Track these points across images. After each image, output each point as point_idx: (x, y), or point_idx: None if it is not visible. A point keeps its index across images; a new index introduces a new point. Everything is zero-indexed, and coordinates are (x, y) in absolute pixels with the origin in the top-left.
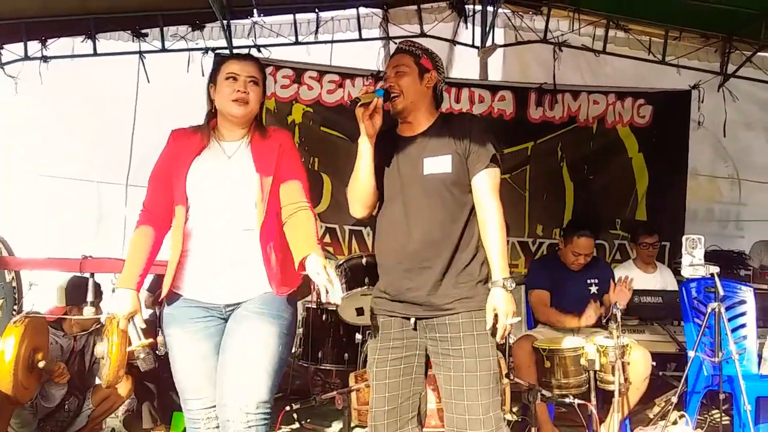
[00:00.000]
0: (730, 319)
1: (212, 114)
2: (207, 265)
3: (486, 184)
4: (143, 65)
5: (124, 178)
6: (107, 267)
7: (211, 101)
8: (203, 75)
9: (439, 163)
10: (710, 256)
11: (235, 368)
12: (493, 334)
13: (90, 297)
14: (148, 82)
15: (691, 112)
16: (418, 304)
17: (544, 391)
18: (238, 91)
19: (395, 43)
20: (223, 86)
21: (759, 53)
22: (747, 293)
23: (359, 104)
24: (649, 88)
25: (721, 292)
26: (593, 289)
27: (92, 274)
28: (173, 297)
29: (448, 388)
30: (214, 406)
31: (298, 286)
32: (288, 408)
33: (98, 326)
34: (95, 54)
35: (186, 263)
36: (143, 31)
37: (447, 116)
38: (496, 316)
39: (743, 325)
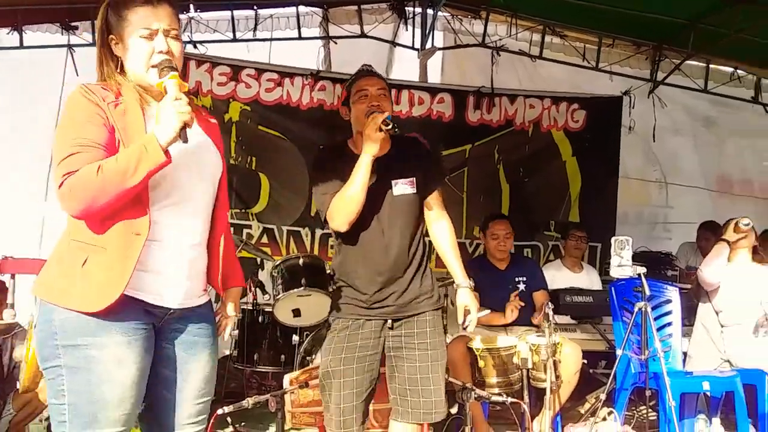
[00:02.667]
0: (656, 318)
1: None
2: (171, 258)
3: (439, 201)
4: (72, 59)
5: (45, 174)
6: (28, 268)
7: None
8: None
9: (406, 186)
10: (639, 257)
11: (193, 402)
12: (465, 328)
13: (10, 299)
14: (77, 75)
15: (622, 117)
16: (393, 308)
17: (478, 391)
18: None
19: (335, 43)
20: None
21: (687, 62)
22: (673, 293)
23: (387, 127)
24: (582, 93)
25: (648, 292)
26: (521, 287)
27: (13, 275)
28: (121, 301)
29: (414, 377)
30: None
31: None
32: (221, 411)
33: (19, 329)
34: (21, 47)
35: (148, 254)
36: (73, 23)
37: (399, 139)
38: (467, 312)
39: (669, 324)
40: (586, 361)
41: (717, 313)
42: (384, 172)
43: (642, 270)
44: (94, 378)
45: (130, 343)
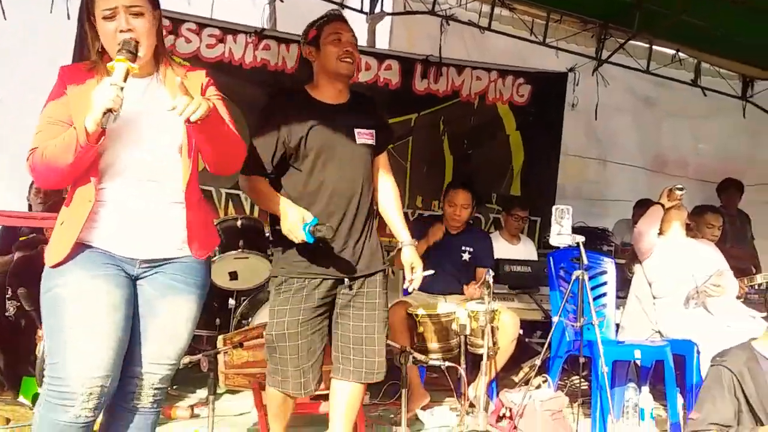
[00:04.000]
0: (592, 288)
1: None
2: (123, 217)
3: (387, 161)
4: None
5: None
6: None
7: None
8: (69, 18)
9: (367, 137)
10: (577, 232)
11: (161, 340)
12: (411, 285)
13: None
14: (5, 19)
15: (566, 93)
16: (349, 266)
17: (415, 354)
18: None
19: (281, 1)
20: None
21: (631, 42)
22: (609, 265)
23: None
24: (529, 67)
25: (585, 261)
26: (465, 256)
27: None
28: (76, 250)
29: (358, 335)
30: (105, 377)
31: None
32: None
33: None
34: None
35: (98, 214)
36: None
37: (355, 93)
38: (413, 270)
39: (604, 294)
40: (522, 331)
41: (650, 285)
42: (344, 118)
43: (581, 239)
44: (62, 312)
45: (94, 277)
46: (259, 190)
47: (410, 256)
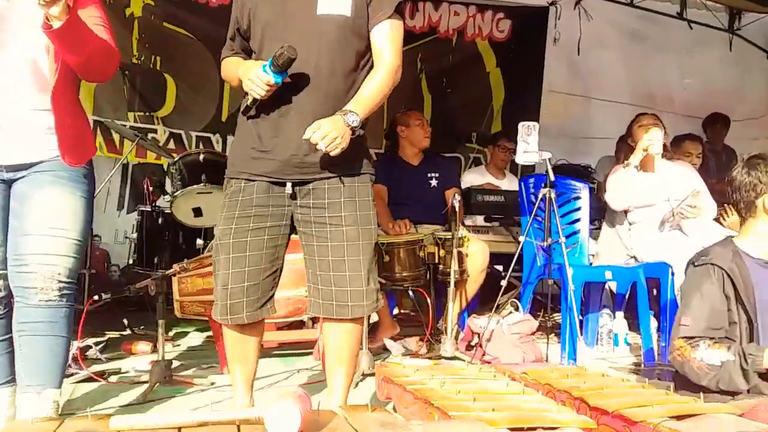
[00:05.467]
0: (565, 214)
1: None
2: None
3: (386, 37)
4: None
5: None
6: None
7: None
8: None
9: (336, 3)
10: (559, 170)
11: (42, 233)
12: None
13: None
14: None
15: (548, 28)
16: (296, 167)
17: (380, 279)
18: None
19: None
20: None
21: None
22: (582, 190)
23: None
24: (508, 1)
25: (552, 178)
26: (433, 182)
27: None
28: None
29: (325, 259)
30: None
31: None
32: (96, 297)
33: None
34: None
35: None
36: None
37: None
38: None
39: (578, 220)
40: (501, 268)
41: (625, 212)
42: None
43: (548, 155)
44: None
45: None
46: (224, 69)
47: (327, 119)
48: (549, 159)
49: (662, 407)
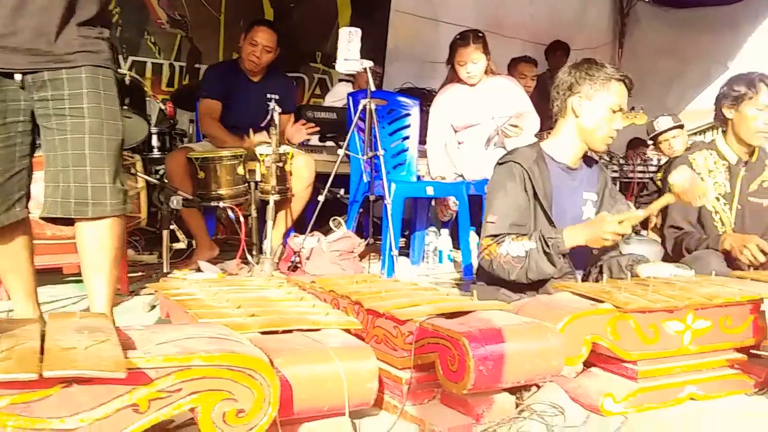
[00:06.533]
0: (395, 131)
1: None
2: None
3: None
4: None
5: None
6: None
7: None
8: None
9: None
10: (405, 93)
11: None
12: None
13: None
14: None
15: None
16: (26, 53)
17: (182, 193)
18: None
19: None
20: None
21: None
22: (413, 108)
23: None
24: None
25: (373, 87)
26: (272, 104)
27: None
28: None
29: (65, 153)
30: None
31: None
32: None
33: None
34: None
35: None
36: None
37: None
38: None
39: (407, 138)
40: (342, 193)
41: (455, 132)
42: None
43: (369, 64)
44: None
45: None
46: None
47: None
48: (369, 67)
49: (432, 306)
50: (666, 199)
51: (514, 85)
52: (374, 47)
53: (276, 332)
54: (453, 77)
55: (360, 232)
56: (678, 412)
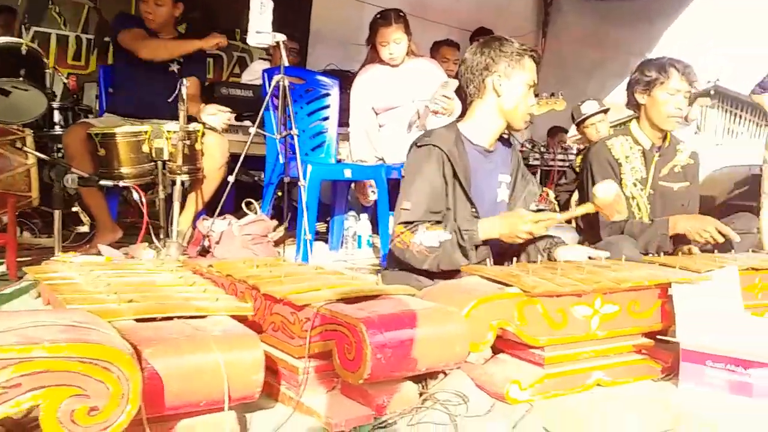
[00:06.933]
0: (313, 112)
1: None
2: None
3: None
4: None
5: None
6: None
7: None
8: None
9: None
10: (328, 73)
11: None
12: None
13: None
14: None
15: None
16: None
17: (76, 170)
18: None
19: None
20: None
21: None
22: (333, 87)
23: None
24: None
25: (286, 62)
26: (173, 66)
27: None
28: None
29: None
30: None
31: None
32: None
33: None
34: None
35: None
36: None
37: None
38: None
39: (326, 118)
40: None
41: (376, 114)
42: None
43: (282, 37)
44: None
45: None
46: None
47: None
48: (283, 42)
49: (332, 290)
50: (586, 208)
51: (437, 68)
52: (297, 28)
53: (154, 319)
54: (374, 57)
55: (280, 216)
56: (584, 398)
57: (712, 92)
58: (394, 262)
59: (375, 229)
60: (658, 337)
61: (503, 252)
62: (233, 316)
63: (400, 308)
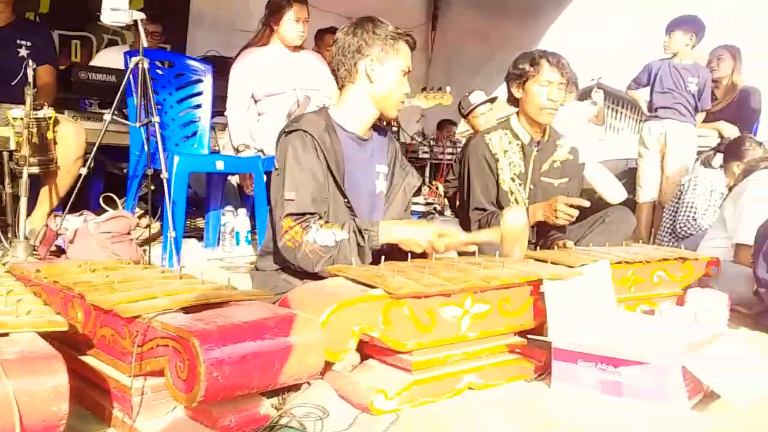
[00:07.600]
0: (184, 99)
1: None
2: None
3: None
4: None
5: None
6: None
7: None
8: None
9: None
10: (207, 61)
11: None
12: None
13: None
14: None
15: None
16: None
17: None
18: None
19: None
20: None
21: None
22: (206, 74)
23: None
24: None
25: (145, 43)
26: (23, 52)
27: None
28: None
29: None
30: None
31: None
32: None
33: None
34: None
35: None
36: None
37: None
38: None
39: (199, 106)
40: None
41: (256, 102)
42: None
43: (140, 15)
44: None
45: None
46: None
47: None
48: (141, 20)
49: (170, 298)
50: (492, 234)
51: (321, 63)
52: (179, 15)
53: None
54: (267, 39)
55: (153, 212)
56: (453, 404)
57: (595, 89)
58: (265, 260)
59: (254, 224)
60: (529, 336)
61: None
62: (45, 333)
63: (245, 318)
